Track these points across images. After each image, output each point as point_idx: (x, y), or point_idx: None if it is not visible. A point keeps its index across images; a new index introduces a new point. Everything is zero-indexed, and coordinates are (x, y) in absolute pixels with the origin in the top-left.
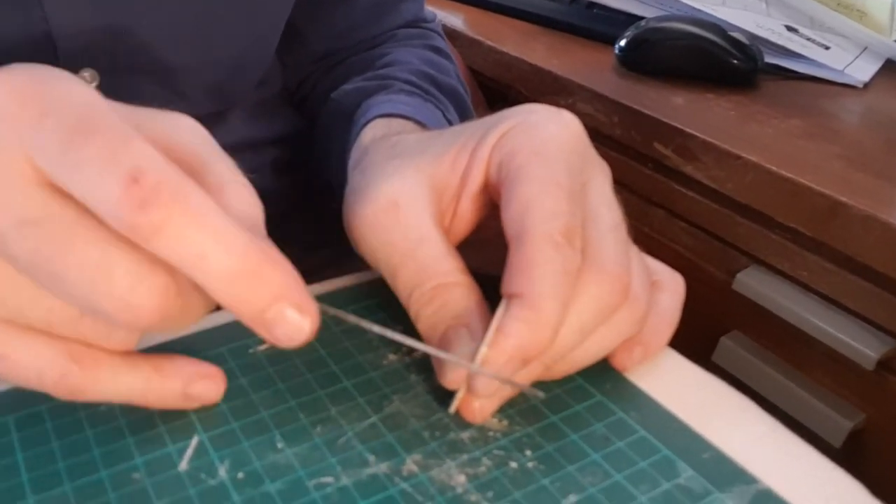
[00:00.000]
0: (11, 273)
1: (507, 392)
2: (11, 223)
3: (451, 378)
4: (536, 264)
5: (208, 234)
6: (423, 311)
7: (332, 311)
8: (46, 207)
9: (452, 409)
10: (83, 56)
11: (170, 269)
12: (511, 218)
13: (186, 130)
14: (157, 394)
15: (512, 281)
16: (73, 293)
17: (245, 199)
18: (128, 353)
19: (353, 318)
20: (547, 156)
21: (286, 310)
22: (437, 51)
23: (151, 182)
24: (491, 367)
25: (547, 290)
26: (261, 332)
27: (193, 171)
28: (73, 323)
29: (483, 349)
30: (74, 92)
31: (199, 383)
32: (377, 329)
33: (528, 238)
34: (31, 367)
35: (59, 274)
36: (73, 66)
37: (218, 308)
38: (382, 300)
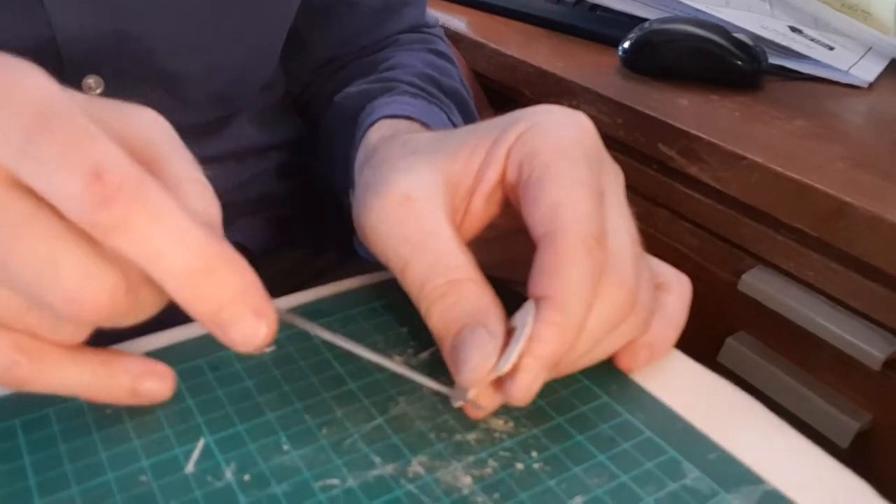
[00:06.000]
0: None
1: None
2: None
3: (472, 378)
4: (568, 266)
5: (167, 231)
6: (436, 307)
7: (300, 321)
8: (2, 199)
9: (458, 403)
10: (87, 62)
11: (122, 266)
12: (541, 216)
13: (147, 123)
14: (104, 389)
15: (542, 281)
16: (20, 285)
17: (202, 197)
18: (75, 347)
19: (320, 330)
20: (572, 156)
21: (241, 312)
22: (440, 54)
23: (113, 179)
24: (527, 373)
25: (577, 292)
26: (216, 332)
27: (151, 164)
28: (21, 314)
29: (513, 357)
30: (33, 83)
31: (148, 381)
32: (347, 345)
33: (560, 239)
34: None
35: (8, 265)
36: (78, 72)
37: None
38: (388, 302)
